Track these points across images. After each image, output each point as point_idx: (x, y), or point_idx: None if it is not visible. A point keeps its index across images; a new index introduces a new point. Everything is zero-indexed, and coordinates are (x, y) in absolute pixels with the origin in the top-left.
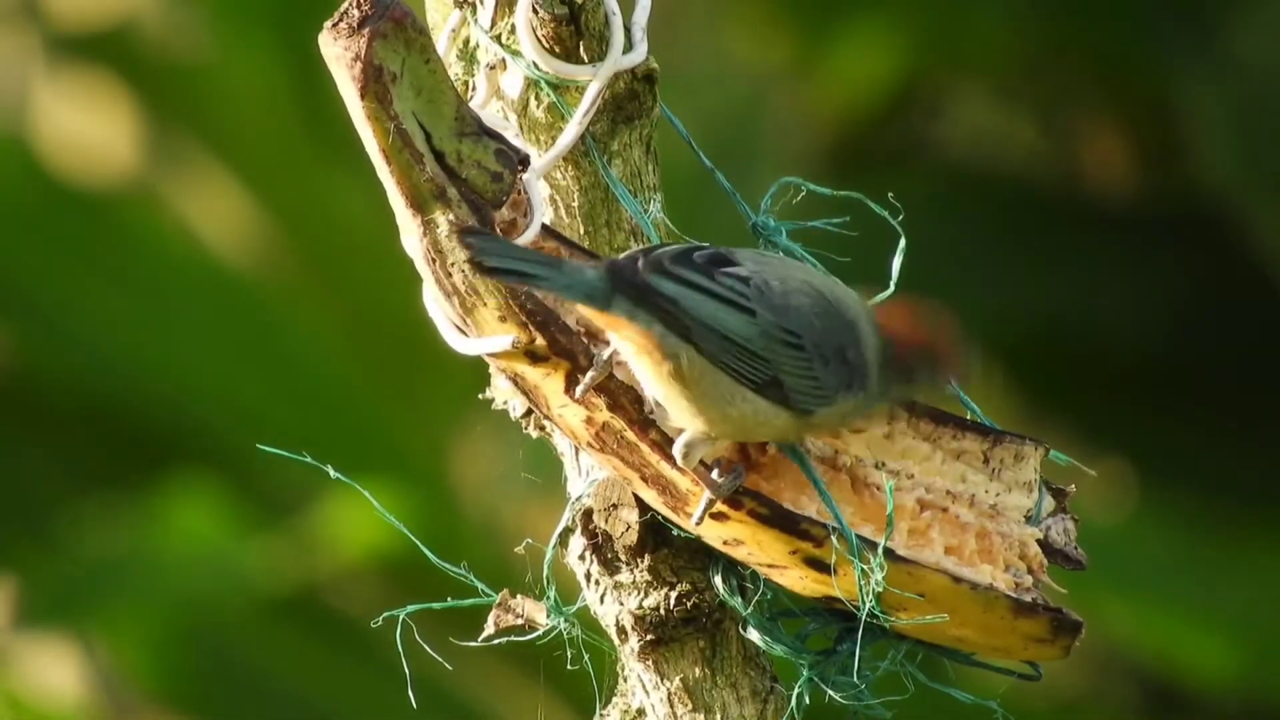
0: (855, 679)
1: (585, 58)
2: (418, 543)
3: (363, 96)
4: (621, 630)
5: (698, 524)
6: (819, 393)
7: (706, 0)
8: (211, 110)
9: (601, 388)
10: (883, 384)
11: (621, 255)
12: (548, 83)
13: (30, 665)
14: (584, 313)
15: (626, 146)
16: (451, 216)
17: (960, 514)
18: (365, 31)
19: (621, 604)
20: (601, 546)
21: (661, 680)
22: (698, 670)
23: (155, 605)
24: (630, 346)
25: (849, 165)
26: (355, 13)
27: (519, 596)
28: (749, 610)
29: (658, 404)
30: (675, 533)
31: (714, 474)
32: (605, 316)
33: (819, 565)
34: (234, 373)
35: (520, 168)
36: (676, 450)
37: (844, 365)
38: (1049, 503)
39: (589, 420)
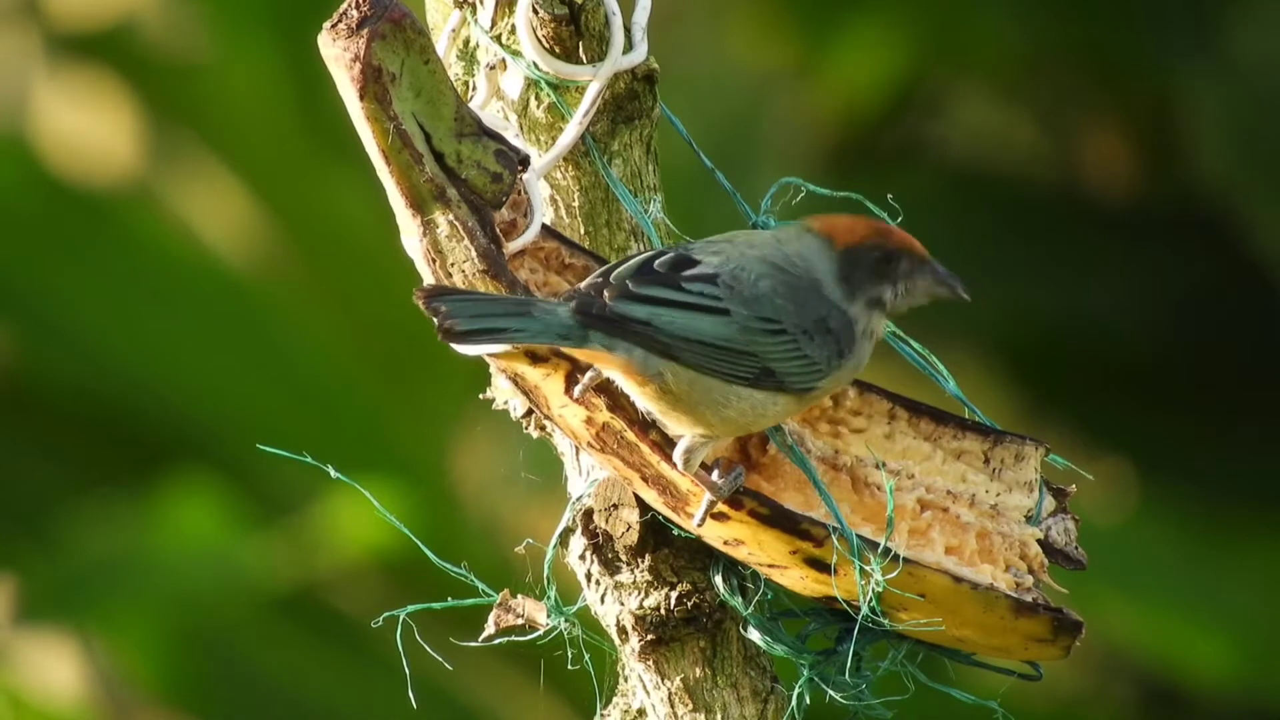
0: (855, 679)
1: (585, 58)
2: (418, 543)
3: (362, 97)
4: (622, 630)
5: (699, 525)
6: (813, 369)
7: (707, 1)
8: (211, 110)
9: (602, 388)
10: (869, 300)
11: (584, 284)
12: (548, 83)
13: (30, 663)
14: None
15: (627, 146)
16: (451, 217)
17: (961, 514)
18: (364, 32)
19: (622, 604)
20: (602, 546)
21: (662, 680)
22: (698, 670)
23: (155, 604)
24: (614, 372)
25: (849, 165)
26: (354, 13)
27: (519, 596)
28: (749, 610)
29: (653, 415)
30: (676, 533)
31: (714, 475)
32: (583, 352)
33: (819, 565)
34: (234, 372)
35: (520, 168)
36: (677, 457)
37: (828, 335)
38: (1049, 503)
39: (589, 420)
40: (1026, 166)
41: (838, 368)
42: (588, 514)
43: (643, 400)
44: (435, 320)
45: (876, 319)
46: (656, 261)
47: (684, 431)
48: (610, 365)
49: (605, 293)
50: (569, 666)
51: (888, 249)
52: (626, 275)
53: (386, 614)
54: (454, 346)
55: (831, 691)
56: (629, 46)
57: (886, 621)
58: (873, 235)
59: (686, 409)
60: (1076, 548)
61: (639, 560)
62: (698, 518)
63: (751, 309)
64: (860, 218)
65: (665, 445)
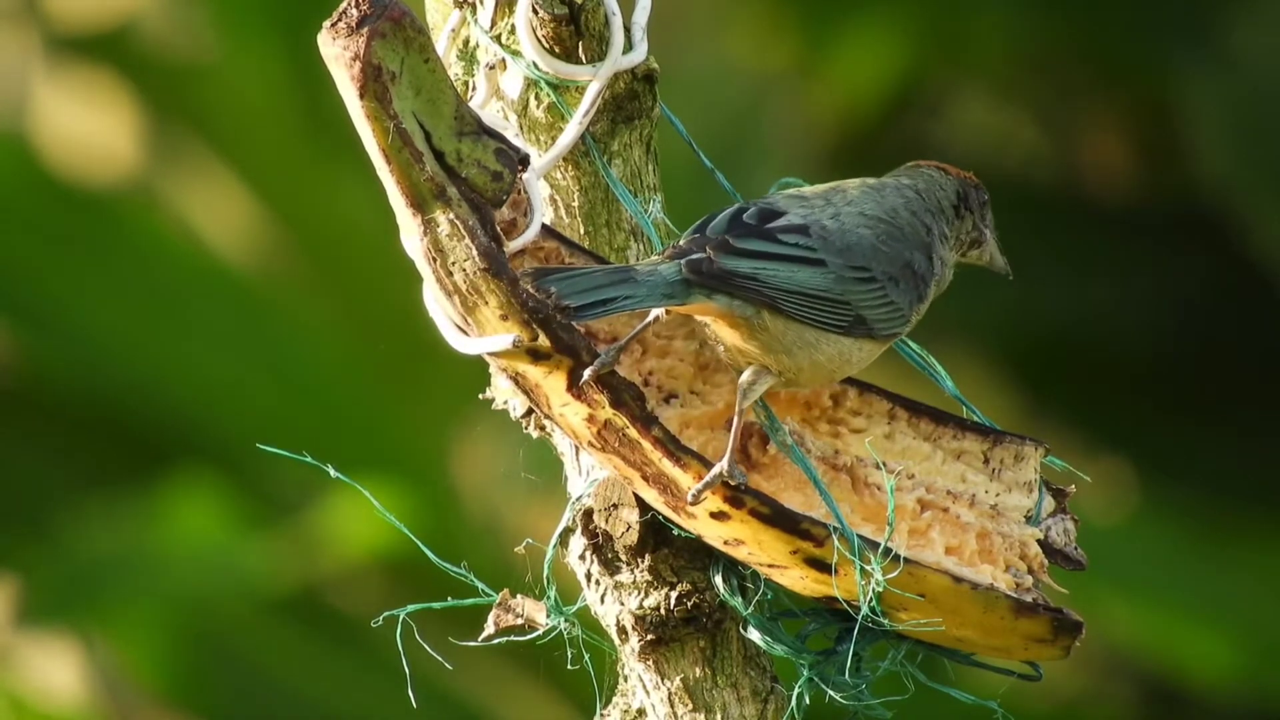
0: (855, 679)
1: (585, 58)
2: (418, 543)
3: (362, 96)
4: (622, 630)
5: (694, 500)
6: (899, 315)
7: (708, 1)
8: (213, 109)
9: (604, 383)
10: (971, 234)
11: (684, 241)
12: (548, 83)
13: (32, 664)
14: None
15: (626, 146)
16: (452, 215)
17: (961, 514)
18: (364, 31)
19: (622, 604)
20: (602, 546)
21: (662, 680)
22: (698, 670)
23: (157, 603)
24: (707, 319)
25: (849, 166)
26: (354, 12)
27: (519, 596)
28: (749, 610)
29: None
30: (675, 533)
31: (727, 460)
32: (686, 308)
33: (819, 565)
34: (235, 371)
35: (520, 167)
36: (742, 384)
37: (912, 277)
38: (1049, 503)
39: (590, 418)
40: (1027, 166)
41: (917, 312)
42: (588, 514)
43: (732, 341)
44: (548, 300)
45: (953, 259)
46: (744, 215)
47: (769, 363)
48: (710, 315)
49: (709, 249)
50: (569, 666)
51: (987, 198)
52: (722, 230)
53: (386, 614)
54: (460, 345)
55: (831, 691)
56: (629, 46)
57: (886, 621)
58: (976, 181)
59: (782, 349)
60: (1076, 548)
61: (639, 560)
62: (696, 489)
63: (844, 258)
64: None
65: (668, 442)
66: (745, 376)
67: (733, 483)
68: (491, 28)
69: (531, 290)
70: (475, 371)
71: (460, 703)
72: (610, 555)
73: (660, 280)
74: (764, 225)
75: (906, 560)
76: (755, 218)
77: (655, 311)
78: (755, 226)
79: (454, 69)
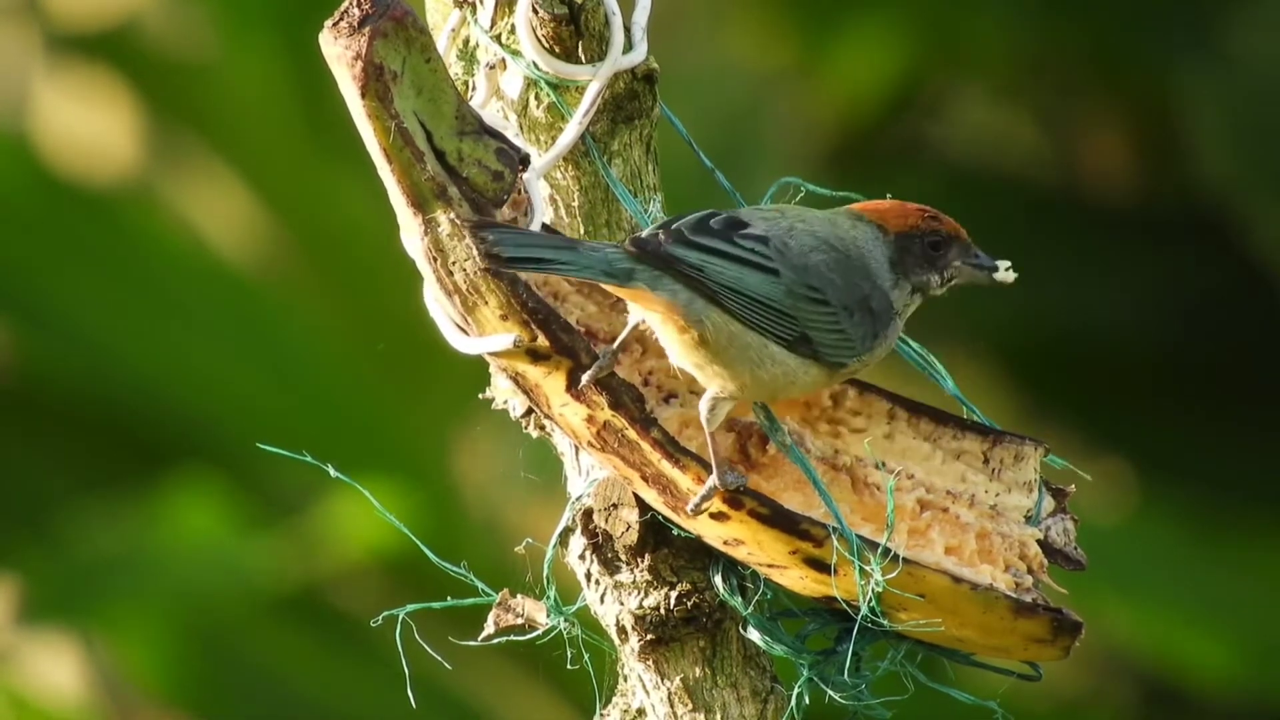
0: (855, 679)
1: (585, 58)
2: (418, 542)
3: (363, 95)
4: (622, 630)
5: (694, 513)
6: (848, 344)
7: (707, 1)
8: (213, 109)
9: (603, 385)
10: (915, 285)
11: (644, 233)
12: (548, 83)
13: (32, 663)
14: (606, 288)
15: (626, 146)
16: (453, 215)
17: (960, 514)
18: (365, 30)
19: (622, 604)
20: (602, 546)
21: (662, 680)
22: (698, 670)
23: (157, 603)
24: (655, 317)
25: (849, 165)
26: (356, 12)
27: (519, 596)
28: (749, 610)
29: (684, 372)
30: (675, 532)
31: (714, 476)
32: (626, 291)
33: (819, 565)
34: (235, 371)
35: (521, 167)
36: (702, 407)
37: (869, 314)
38: (1049, 503)
39: (590, 419)
40: (1027, 166)
41: (869, 349)
42: (587, 514)
43: (679, 350)
44: (481, 247)
45: (915, 302)
46: (713, 220)
47: (715, 387)
48: (653, 307)
49: (661, 235)
50: (569, 666)
51: (939, 235)
52: (685, 226)
53: (386, 613)
54: (460, 345)
55: (831, 691)
56: (629, 46)
57: (886, 621)
58: (924, 221)
59: (723, 363)
60: (1076, 548)
61: (639, 560)
62: (693, 503)
63: (799, 275)
64: (908, 203)
65: (666, 444)
66: (703, 405)
67: (730, 489)
68: (491, 27)
69: (468, 236)
70: (475, 371)
71: (460, 703)
72: (610, 555)
73: (602, 258)
74: (727, 230)
75: (906, 560)
76: (722, 224)
77: (636, 316)
78: (718, 230)
79: (454, 69)
